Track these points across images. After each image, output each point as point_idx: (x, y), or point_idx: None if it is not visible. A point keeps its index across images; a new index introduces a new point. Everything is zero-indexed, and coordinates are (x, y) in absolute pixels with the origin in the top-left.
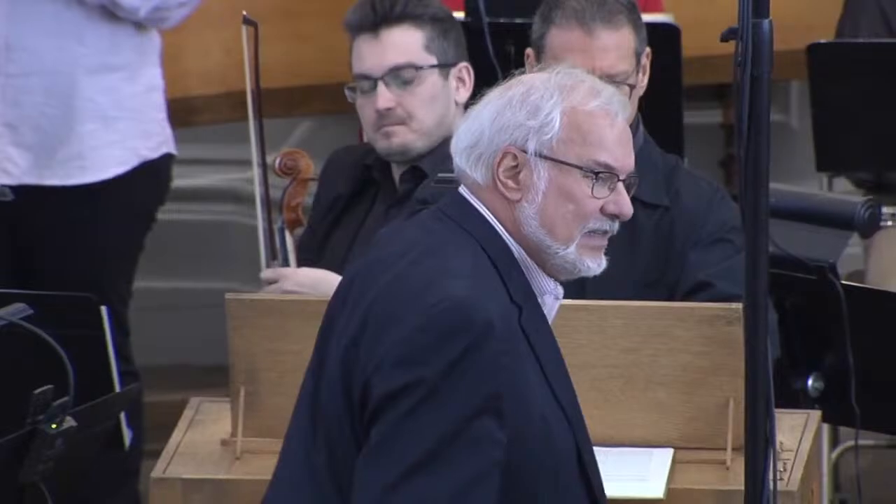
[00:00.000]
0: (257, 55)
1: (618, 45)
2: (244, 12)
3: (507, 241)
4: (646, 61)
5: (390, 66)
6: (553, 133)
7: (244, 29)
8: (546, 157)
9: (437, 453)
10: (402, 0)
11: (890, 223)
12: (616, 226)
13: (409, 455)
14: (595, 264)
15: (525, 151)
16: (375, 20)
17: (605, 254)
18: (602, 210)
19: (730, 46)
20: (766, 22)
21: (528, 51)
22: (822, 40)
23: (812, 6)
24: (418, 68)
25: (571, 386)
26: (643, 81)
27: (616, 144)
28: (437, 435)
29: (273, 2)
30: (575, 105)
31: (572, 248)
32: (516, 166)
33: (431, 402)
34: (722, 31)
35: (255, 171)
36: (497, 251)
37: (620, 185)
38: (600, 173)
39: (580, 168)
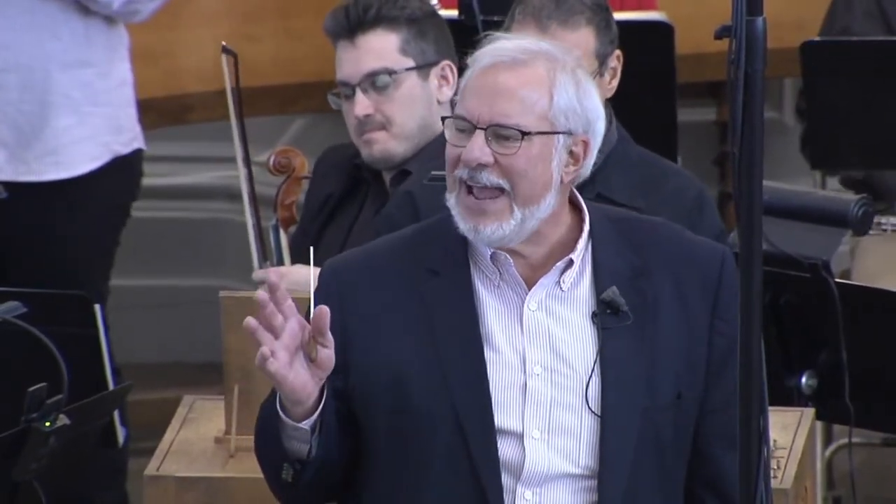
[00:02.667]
0: (238, 85)
1: (574, 45)
2: (223, 42)
3: None
4: (616, 64)
5: (366, 73)
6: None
7: (224, 58)
8: None
9: None
10: (376, 4)
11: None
12: (484, 178)
13: None
14: (467, 227)
15: None
16: (349, 26)
17: (489, 225)
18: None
19: (723, 44)
20: (759, 20)
21: None
22: (815, 38)
23: (805, 4)
24: (393, 73)
25: (475, 361)
26: (611, 84)
27: (471, 94)
28: None
29: None
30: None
31: (453, 200)
32: None
33: None
34: (716, 29)
35: (241, 173)
36: (445, 224)
37: (476, 133)
38: (460, 126)
39: (445, 120)
